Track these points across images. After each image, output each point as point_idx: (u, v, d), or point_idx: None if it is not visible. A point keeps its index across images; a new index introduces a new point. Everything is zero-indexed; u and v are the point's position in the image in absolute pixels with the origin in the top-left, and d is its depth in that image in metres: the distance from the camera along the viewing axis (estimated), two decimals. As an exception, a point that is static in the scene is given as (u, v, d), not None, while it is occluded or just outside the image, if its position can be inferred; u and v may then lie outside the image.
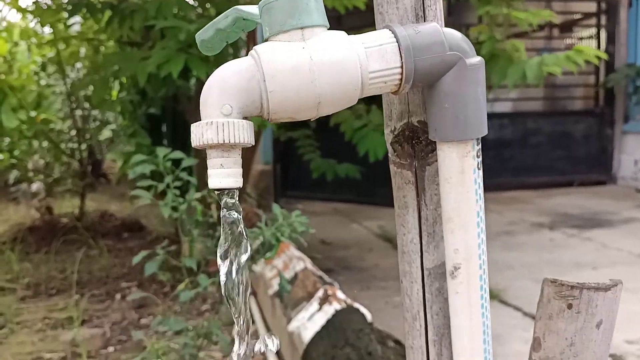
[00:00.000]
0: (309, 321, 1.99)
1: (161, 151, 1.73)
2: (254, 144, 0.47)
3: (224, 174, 0.46)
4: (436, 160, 0.54)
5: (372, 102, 3.12)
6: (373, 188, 4.65)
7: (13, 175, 4.44)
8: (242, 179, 0.47)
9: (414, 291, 0.59)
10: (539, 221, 4.17)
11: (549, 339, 0.54)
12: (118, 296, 2.96)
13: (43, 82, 4.09)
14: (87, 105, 4.01)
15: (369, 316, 1.87)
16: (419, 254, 0.58)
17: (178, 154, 1.74)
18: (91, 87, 3.57)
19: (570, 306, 0.53)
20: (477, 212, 0.53)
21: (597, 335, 0.54)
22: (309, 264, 2.47)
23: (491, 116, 5.20)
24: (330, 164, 3.38)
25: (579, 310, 0.53)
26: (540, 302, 0.55)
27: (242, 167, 0.47)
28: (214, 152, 0.46)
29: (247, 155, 3.14)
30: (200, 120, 0.46)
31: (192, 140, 0.46)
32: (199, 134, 0.45)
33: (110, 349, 2.33)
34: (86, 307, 2.73)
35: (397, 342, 1.63)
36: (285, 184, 5.18)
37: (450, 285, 0.55)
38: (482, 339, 0.56)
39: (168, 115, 3.72)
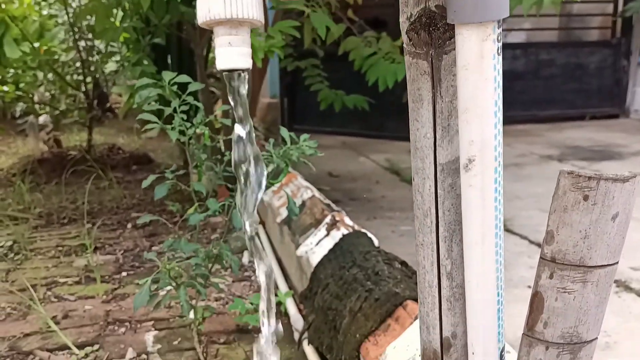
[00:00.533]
0: (317, 246, 2.02)
1: (167, 75, 1.70)
2: (263, 22, 0.44)
3: (232, 53, 0.44)
4: (454, 49, 0.52)
5: (383, 29, 3.03)
6: (381, 121, 4.61)
7: (19, 107, 4.42)
8: (251, 60, 0.45)
9: (425, 187, 0.58)
10: (549, 154, 4.15)
11: (562, 232, 0.54)
12: (129, 225, 3.01)
13: (45, 13, 4.00)
14: (90, 35, 3.94)
15: (376, 241, 1.90)
16: (432, 149, 0.56)
17: (184, 78, 1.70)
18: (94, 17, 3.48)
19: (586, 198, 0.52)
20: (494, 101, 0.51)
21: (612, 228, 0.53)
22: (316, 192, 2.49)
23: (503, 47, 5.06)
24: (338, 94, 3.33)
25: (595, 202, 0.52)
26: (556, 195, 0.54)
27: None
28: (221, 30, 0.43)
29: (254, 87, 3.09)
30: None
31: (198, 17, 0.44)
32: (205, 9, 0.43)
33: (124, 274, 2.38)
34: (98, 236, 2.78)
35: (404, 263, 1.65)
36: (292, 117, 5.14)
37: (464, 179, 0.54)
38: (494, 233, 0.56)
39: (173, 46, 3.64)
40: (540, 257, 0.56)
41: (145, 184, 1.65)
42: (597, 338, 0.60)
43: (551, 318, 0.57)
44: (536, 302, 0.57)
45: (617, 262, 0.56)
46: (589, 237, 0.53)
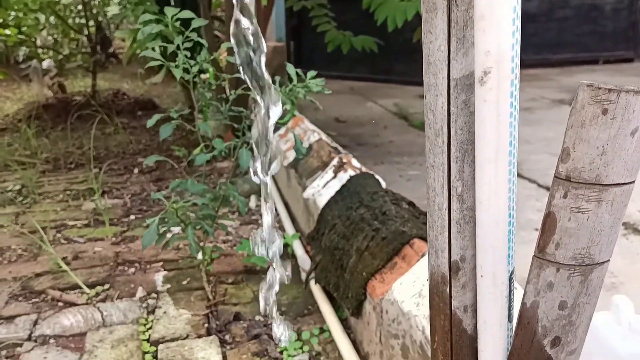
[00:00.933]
0: (324, 188, 2.01)
1: (169, 10, 1.65)
2: None
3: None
4: (469, -49, 0.48)
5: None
6: (390, 64, 4.53)
7: (22, 52, 4.36)
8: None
9: (438, 105, 0.56)
10: (559, 98, 4.08)
11: (578, 149, 0.52)
12: (136, 170, 3.02)
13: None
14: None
15: (383, 182, 1.88)
16: (446, 62, 0.54)
17: (187, 14, 1.65)
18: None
19: (605, 112, 0.49)
20: (513, 7, 0.48)
21: (631, 143, 0.51)
22: (323, 136, 2.46)
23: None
24: (346, 36, 3.25)
25: (614, 116, 0.49)
26: (573, 109, 0.51)
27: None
28: None
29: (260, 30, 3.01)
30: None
31: None
32: None
33: (132, 217, 2.40)
34: (105, 180, 2.79)
35: (411, 204, 1.64)
36: (299, 61, 5.05)
37: (478, 93, 0.52)
38: (508, 151, 0.54)
39: (176, -13, 3.53)
40: (555, 177, 0.54)
41: (150, 123, 1.64)
42: (609, 260, 0.59)
43: (563, 239, 0.55)
44: (548, 223, 0.56)
45: (634, 182, 0.54)
46: (606, 153, 0.51)
